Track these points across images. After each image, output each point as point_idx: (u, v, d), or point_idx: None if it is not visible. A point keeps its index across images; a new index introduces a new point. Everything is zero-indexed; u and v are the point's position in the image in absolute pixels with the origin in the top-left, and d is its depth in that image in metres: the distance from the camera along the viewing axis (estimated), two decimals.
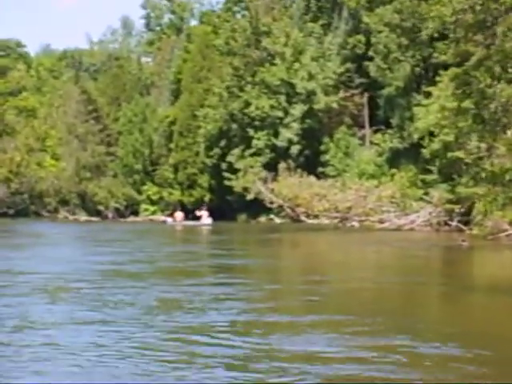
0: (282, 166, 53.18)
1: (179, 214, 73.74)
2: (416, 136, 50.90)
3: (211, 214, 70.77)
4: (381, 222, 43.75)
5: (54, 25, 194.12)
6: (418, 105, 52.37)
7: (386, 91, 57.89)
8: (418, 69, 56.16)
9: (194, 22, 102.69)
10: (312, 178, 50.78)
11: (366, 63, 59.70)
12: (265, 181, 49.02)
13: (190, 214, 73.72)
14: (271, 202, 49.50)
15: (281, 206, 51.59)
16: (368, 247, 34.73)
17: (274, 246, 37.37)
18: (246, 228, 61.45)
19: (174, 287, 19.26)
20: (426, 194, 45.57)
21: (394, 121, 57.79)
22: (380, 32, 56.40)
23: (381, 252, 31.38)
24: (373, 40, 57.90)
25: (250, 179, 50.41)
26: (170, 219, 73.28)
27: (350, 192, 45.06)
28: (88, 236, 45.69)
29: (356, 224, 49.08)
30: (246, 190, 69.54)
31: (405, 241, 37.08)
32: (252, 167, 53.56)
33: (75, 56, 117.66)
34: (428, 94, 56.43)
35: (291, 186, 47.11)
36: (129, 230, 55.75)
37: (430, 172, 48.42)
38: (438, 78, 49.70)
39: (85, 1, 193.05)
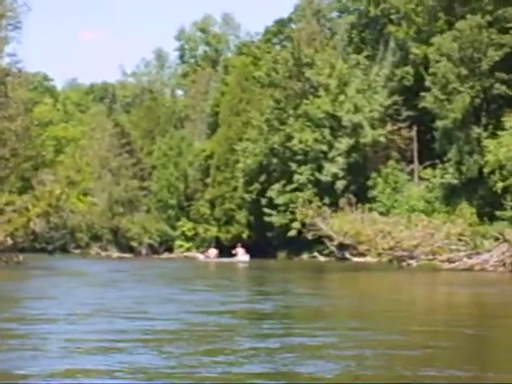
0: (343, 200, 50.43)
1: (213, 251, 71.11)
2: (486, 170, 48.12)
3: (249, 251, 68.08)
4: (450, 261, 40.84)
5: (79, 59, 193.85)
6: (490, 137, 49.66)
7: (441, 123, 55.11)
8: (477, 100, 53.48)
9: (229, 54, 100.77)
10: (375, 214, 47.94)
11: (422, 94, 57.09)
12: (324, 217, 46.15)
13: (223, 251, 71.13)
14: (331, 240, 46.53)
15: (331, 242, 48.63)
16: (450, 290, 31.77)
17: (344, 287, 34.49)
18: (290, 266, 58.44)
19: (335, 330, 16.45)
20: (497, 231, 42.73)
21: (451, 154, 54.99)
22: (437, 62, 53.82)
23: (475, 297, 28.33)
24: (430, 70, 55.30)
25: (307, 214, 47.43)
26: (202, 256, 70.70)
27: (416, 229, 42.17)
28: (149, 274, 42.76)
29: (414, 263, 46.08)
30: (286, 225, 67.34)
31: (485, 284, 34.11)
32: (305, 203, 50.77)
33: (108, 88, 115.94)
34: (486, 127, 53.97)
35: (353, 221, 44.30)
36: (177, 267, 52.93)
37: (500, 207, 45.64)
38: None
39: (108, 34, 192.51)
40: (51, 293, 26.26)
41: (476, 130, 53.72)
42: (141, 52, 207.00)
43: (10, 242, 51.70)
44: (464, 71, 52.77)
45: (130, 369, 11.52)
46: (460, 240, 41.89)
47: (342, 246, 60.55)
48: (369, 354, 13.17)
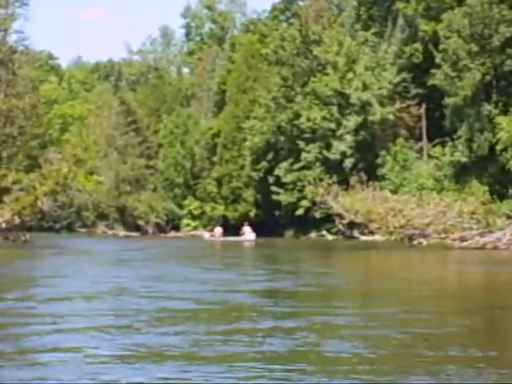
0: (353, 178, 49.90)
1: (218, 230, 70.58)
2: (499, 147, 47.61)
3: (256, 230, 67.70)
4: (462, 239, 40.44)
5: (83, 37, 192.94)
6: (501, 114, 49.08)
7: (451, 101, 54.48)
8: (488, 77, 52.85)
9: (235, 32, 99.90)
10: (386, 192, 47.47)
11: (432, 71, 56.46)
12: (334, 195, 45.70)
13: (230, 230, 70.74)
14: (341, 218, 46.05)
15: (341, 220, 48.05)
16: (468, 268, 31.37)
17: (357, 266, 34.13)
18: (299, 244, 58.13)
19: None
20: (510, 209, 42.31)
21: (461, 132, 54.38)
22: (447, 38, 53.14)
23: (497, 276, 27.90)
24: (440, 47, 54.62)
25: (318, 193, 46.97)
26: (207, 234, 70.21)
27: (428, 207, 41.70)
28: (159, 252, 42.32)
29: (424, 241, 45.66)
30: (294, 204, 66.91)
31: (499, 262, 33.76)
32: (314, 180, 50.31)
33: (114, 66, 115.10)
34: (497, 104, 53.44)
35: (364, 200, 43.82)
36: (186, 246, 52.63)
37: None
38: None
39: (112, 12, 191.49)
40: (65, 272, 26.00)
41: (487, 107, 53.07)
42: (146, 30, 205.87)
43: (17, 220, 51.41)
44: (475, 48, 52.08)
45: (150, 349, 11.24)
46: (472, 218, 41.48)
47: (350, 225, 60.34)
48: (389, 333, 12.91)
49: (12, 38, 51.71)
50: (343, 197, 45.71)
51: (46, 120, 71.28)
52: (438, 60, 54.75)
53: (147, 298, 17.67)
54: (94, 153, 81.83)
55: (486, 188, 48.96)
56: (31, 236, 51.55)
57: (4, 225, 50.82)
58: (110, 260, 34.83)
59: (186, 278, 23.53)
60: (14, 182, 48.52)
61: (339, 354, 11.10)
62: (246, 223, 69.33)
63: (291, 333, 12.81)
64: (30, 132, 50.43)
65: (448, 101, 55.48)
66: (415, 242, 45.49)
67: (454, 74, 52.87)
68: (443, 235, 41.10)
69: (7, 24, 49.27)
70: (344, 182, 61.09)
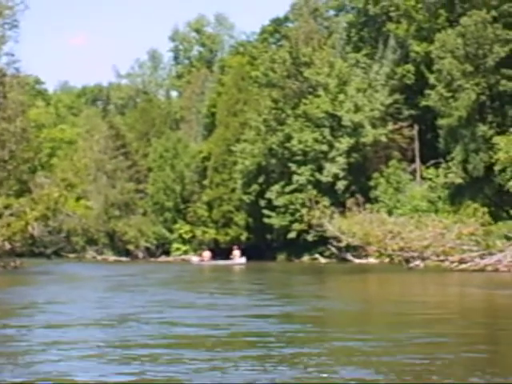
0: (350, 201, 49.31)
1: (207, 254, 69.88)
2: (497, 167, 47.11)
3: (247, 253, 67.08)
4: (462, 261, 39.80)
5: (70, 62, 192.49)
6: (496, 134, 48.65)
7: (445, 122, 54.05)
8: (483, 97, 52.51)
9: (223, 54, 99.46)
10: (384, 215, 46.86)
11: (427, 92, 56.10)
12: (331, 217, 45.05)
13: (219, 253, 70.06)
14: (338, 241, 45.39)
15: (338, 243, 47.44)
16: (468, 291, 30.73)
17: (361, 290, 33.41)
18: (294, 268, 57.20)
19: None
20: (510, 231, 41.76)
21: (456, 153, 53.95)
22: (442, 58, 52.80)
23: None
24: (434, 67, 54.30)
25: (314, 215, 46.31)
26: (195, 258, 69.40)
27: (426, 229, 41.08)
28: (156, 278, 41.39)
29: (420, 264, 45.04)
30: (286, 227, 66.25)
31: (502, 285, 33.14)
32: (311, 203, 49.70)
33: (102, 90, 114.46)
34: (491, 124, 53.10)
35: (361, 222, 43.16)
36: (180, 271, 51.71)
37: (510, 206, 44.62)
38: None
39: (99, 37, 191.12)
40: (67, 298, 25.19)
41: (482, 128, 52.72)
42: (134, 54, 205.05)
43: (7, 246, 50.59)
44: (469, 68, 51.77)
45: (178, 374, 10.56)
46: (471, 240, 40.89)
47: (343, 248, 59.68)
48: (410, 359, 12.32)
49: (2, 61, 51.02)
50: (339, 219, 45.04)
51: (35, 144, 70.38)
52: (431, 80, 54.42)
53: (161, 325, 16.98)
54: (82, 177, 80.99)
55: (486, 209, 48.41)
56: (22, 262, 50.70)
57: None
58: (110, 286, 33.95)
59: (193, 303, 22.79)
60: (5, 207, 47.63)
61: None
62: (235, 247, 68.78)
63: (311, 358, 12.20)
64: (20, 156, 49.55)
65: (442, 122, 55.10)
66: (412, 265, 44.84)
67: (448, 95, 52.52)
68: (442, 257, 40.45)
69: None
70: (337, 205, 60.72)
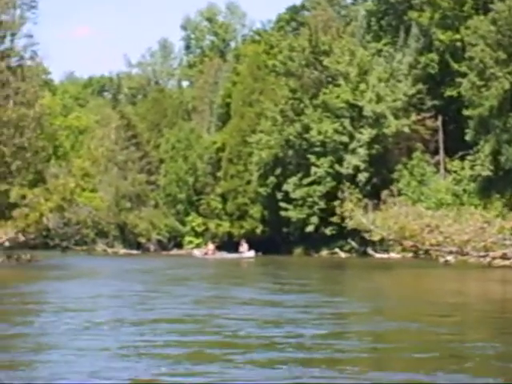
0: (385, 193, 47.39)
1: (211, 247, 67.86)
2: None
3: (261, 247, 65.28)
4: (504, 257, 37.89)
5: (75, 53, 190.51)
6: None
7: (475, 112, 52.06)
8: None
9: (236, 43, 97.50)
10: (421, 208, 44.91)
11: (458, 80, 54.09)
12: (365, 210, 43.16)
13: (226, 247, 68.31)
14: (371, 235, 43.44)
15: (370, 237, 45.38)
16: None
17: (400, 286, 31.41)
18: (314, 262, 55.37)
19: None
20: None
21: (487, 144, 51.96)
22: (473, 46, 50.81)
23: None
24: (466, 54, 52.32)
25: (347, 208, 44.34)
26: (197, 252, 67.35)
27: (466, 223, 39.10)
28: (182, 273, 39.38)
29: (451, 259, 43.08)
30: (304, 220, 64.42)
31: None
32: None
33: (113, 79, 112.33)
34: None
35: (398, 216, 41.17)
36: (200, 264, 49.75)
37: None
38: None
39: (106, 27, 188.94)
40: (103, 295, 23.29)
41: None
42: (141, 44, 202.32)
43: (21, 238, 48.55)
44: (502, 55, 49.83)
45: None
46: None
47: (364, 242, 57.74)
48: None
49: (22, 42, 48.87)
50: (374, 212, 43.09)
51: (50, 132, 68.39)
52: (463, 68, 52.43)
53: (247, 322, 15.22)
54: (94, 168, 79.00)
55: None
56: (34, 255, 48.64)
57: (7, 243, 48.01)
58: (143, 280, 31.76)
59: (251, 299, 20.97)
60: (20, 198, 45.55)
61: None
62: (243, 240, 66.97)
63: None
64: (36, 144, 47.44)
65: (472, 112, 53.05)
66: (442, 260, 42.94)
67: (480, 83, 50.53)
68: (483, 253, 38.48)
69: (15, 27, 46.45)
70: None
